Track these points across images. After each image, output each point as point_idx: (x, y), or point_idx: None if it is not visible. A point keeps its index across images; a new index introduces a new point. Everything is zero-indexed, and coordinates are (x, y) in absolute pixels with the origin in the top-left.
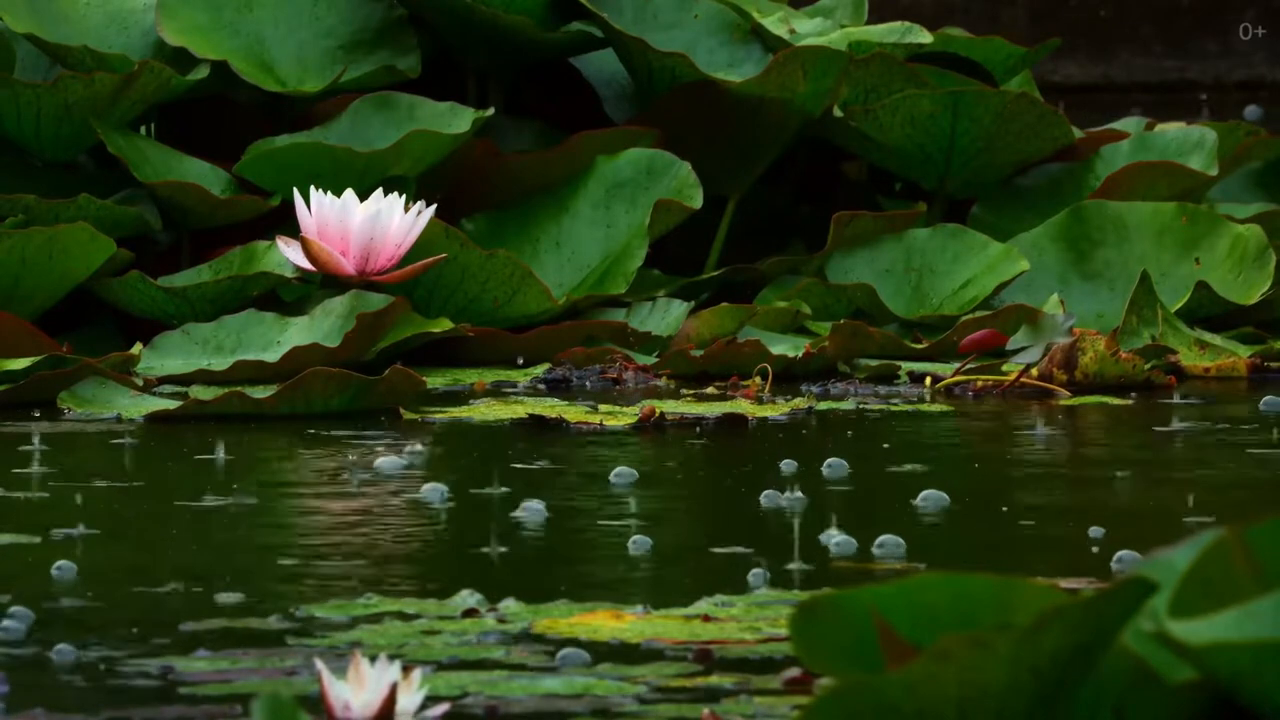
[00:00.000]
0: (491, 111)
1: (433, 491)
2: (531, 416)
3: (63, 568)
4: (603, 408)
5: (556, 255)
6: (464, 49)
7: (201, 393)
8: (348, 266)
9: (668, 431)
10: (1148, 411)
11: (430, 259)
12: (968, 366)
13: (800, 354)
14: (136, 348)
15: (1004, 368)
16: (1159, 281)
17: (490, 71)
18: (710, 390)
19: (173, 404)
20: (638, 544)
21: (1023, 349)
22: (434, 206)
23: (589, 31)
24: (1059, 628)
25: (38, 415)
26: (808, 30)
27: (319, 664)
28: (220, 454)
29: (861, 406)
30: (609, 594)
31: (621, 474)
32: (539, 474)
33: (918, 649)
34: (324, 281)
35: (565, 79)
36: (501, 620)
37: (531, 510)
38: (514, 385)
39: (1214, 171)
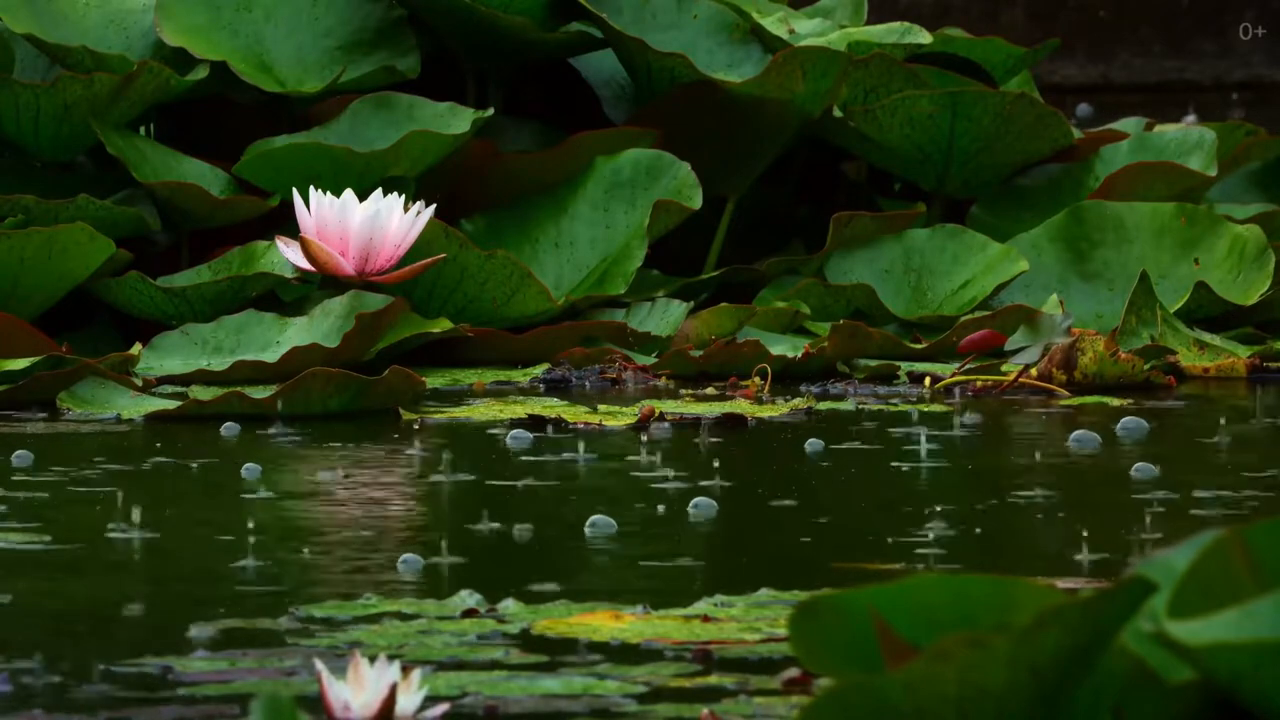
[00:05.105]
0: (491, 112)
1: (432, 491)
2: (531, 417)
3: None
4: (602, 408)
5: (555, 255)
6: (463, 49)
7: (201, 393)
8: (347, 267)
9: (667, 431)
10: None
11: (429, 259)
12: (967, 367)
13: (799, 354)
14: (136, 348)
15: (1003, 368)
16: (1158, 282)
17: (490, 72)
18: (709, 390)
19: (172, 404)
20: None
21: (1022, 349)
22: (433, 207)
23: (588, 32)
24: (1058, 628)
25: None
26: (807, 30)
27: (318, 664)
28: (219, 454)
29: (860, 407)
30: (608, 594)
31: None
32: (538, 474)
33: (917, 649)
34: (323, 282)
35: (564, 79)
36: (501, 620)
37: (532, 510)
38: (513, 385)
39: (1213, 172)
